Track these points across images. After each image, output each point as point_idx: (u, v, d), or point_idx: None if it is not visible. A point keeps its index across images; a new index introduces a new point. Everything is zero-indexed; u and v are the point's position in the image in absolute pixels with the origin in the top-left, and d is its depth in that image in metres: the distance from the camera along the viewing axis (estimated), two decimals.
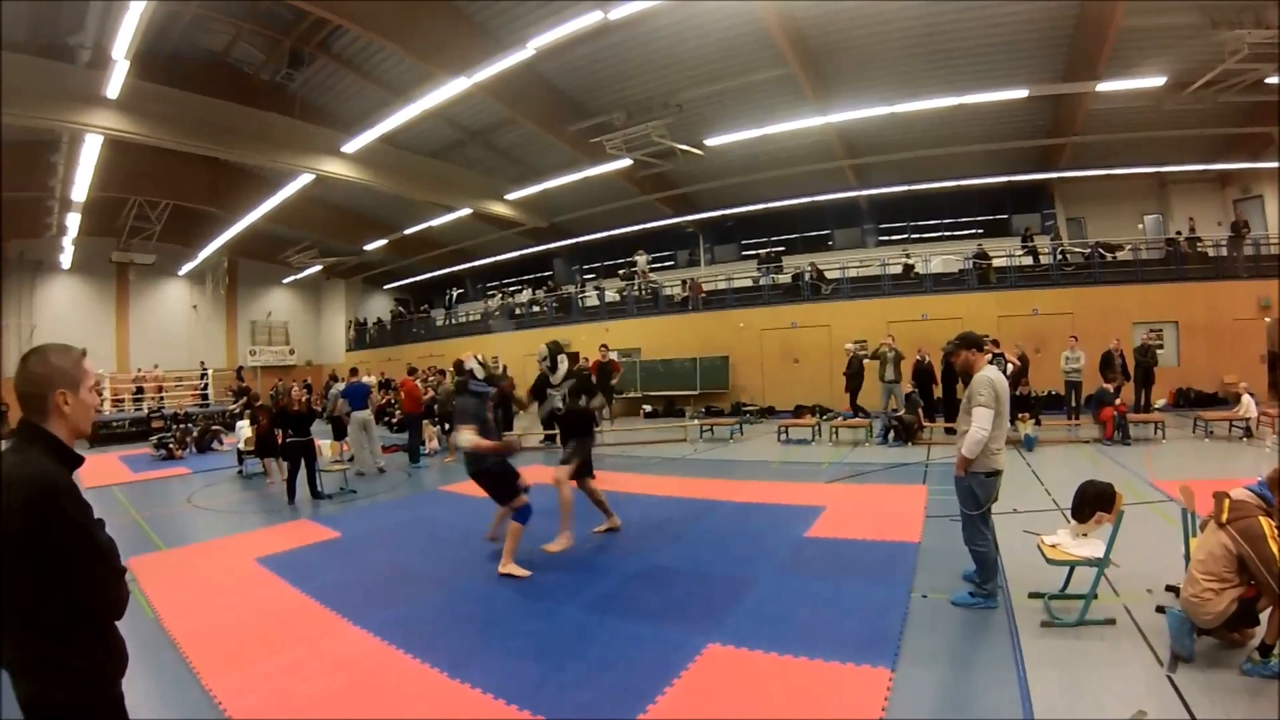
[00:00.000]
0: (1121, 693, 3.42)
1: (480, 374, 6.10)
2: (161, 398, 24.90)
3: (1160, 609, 4.18)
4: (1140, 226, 20.75)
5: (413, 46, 13.46)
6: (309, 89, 17.33)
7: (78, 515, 1.75)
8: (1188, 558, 4.19)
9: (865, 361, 15.19)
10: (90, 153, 15.32)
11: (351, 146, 16.87)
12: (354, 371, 13.85)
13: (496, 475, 6.01)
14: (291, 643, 4.66)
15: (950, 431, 12.50)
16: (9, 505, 1.69)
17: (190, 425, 20.07)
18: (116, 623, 1.91)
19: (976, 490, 4.66)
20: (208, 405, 25.21)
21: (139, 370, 26.18)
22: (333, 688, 3.95)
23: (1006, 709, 3.37)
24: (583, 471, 6.95)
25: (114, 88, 12.76)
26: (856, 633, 4.28)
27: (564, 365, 6.96)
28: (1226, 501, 3.80)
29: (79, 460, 1.94)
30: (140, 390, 25.03)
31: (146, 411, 22.26)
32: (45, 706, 1.76)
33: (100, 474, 13.77)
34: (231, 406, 19.40)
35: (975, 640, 4.25)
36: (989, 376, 4.70)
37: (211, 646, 4.63)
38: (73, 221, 20.10)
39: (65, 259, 24.43)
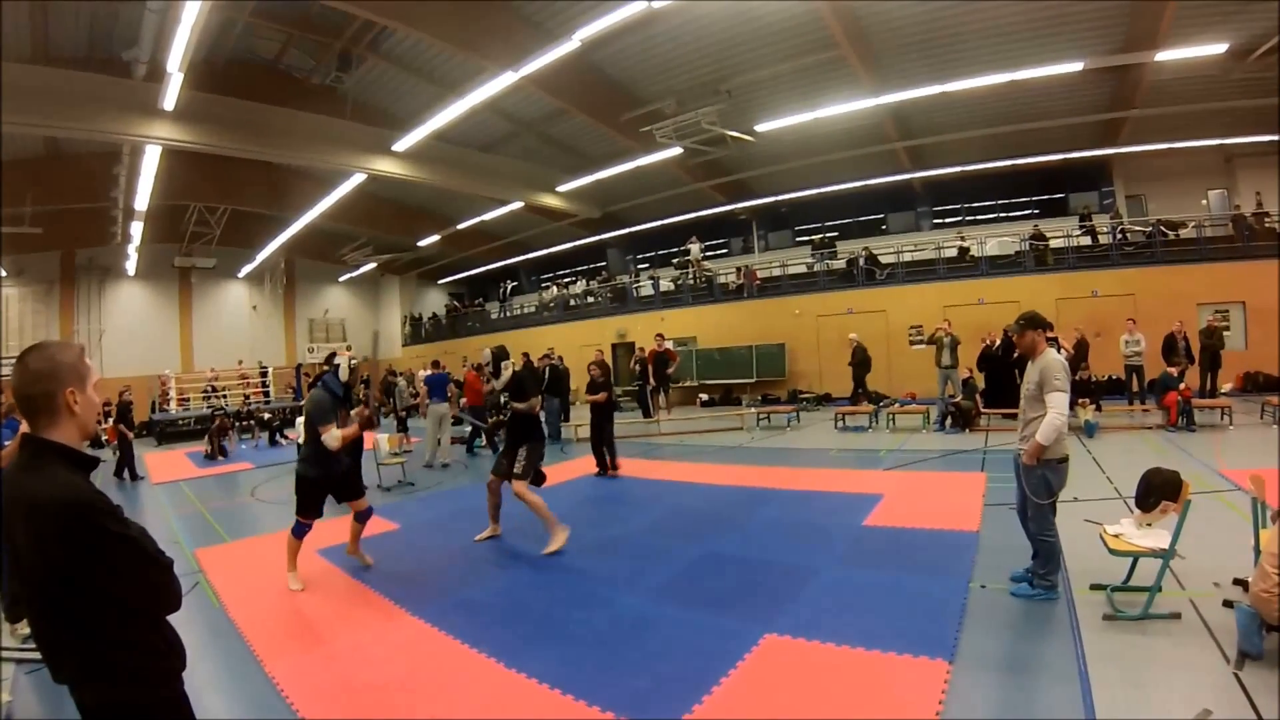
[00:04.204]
0: (1186, 691, 3.32)
1: (344, 375, 5.91)
2: (225, 395, 25.67)
3: (1228, 604, 4.04)
4: (1204, 203, 19.93)
5: (460, 42, 13.57)
6: (359, 89, 17.65)
7: (115, 526, 1.66)
8: (1258, 550, 4.04)
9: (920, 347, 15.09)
10: (150, 163, 15.87)
11: (403, 144, 17.20)
12: (436, 364, 14.06)
13: (301, 482, 5.85)
14: (350, 631, 4.80)
15: (1011, 418, 12.20)
16: (45, 535, 1.62)
17: (251, 421, 20.76)
18: (177, 618, 1.87)
19: (1050, 478, 4.53)
20: (269, 401, 26.00)
21: (211, 370, 27.06)
22: (390, 675, 4.06)
23: (1066, 704, 3.30)
24: (503, 473, 6.75)
25: (170, 100, 13.16)
26: (914, 624, 4.24)
27: (507, 372, 6.94)
28: None
29: (95, 462, 1.83)
30: (213, 389, 25.87)
31: (210, 410, 23.05)
32: (112, 710, 1.74)
33: (167, 470, 14.38)
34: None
35: (1035, 633, 4.17)
36: (1060, 360, 4.59)
37: (273, 634, 4.81)
38: (136, 229, 20.88)
39: (130, 265, 25.40)
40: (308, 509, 5.84)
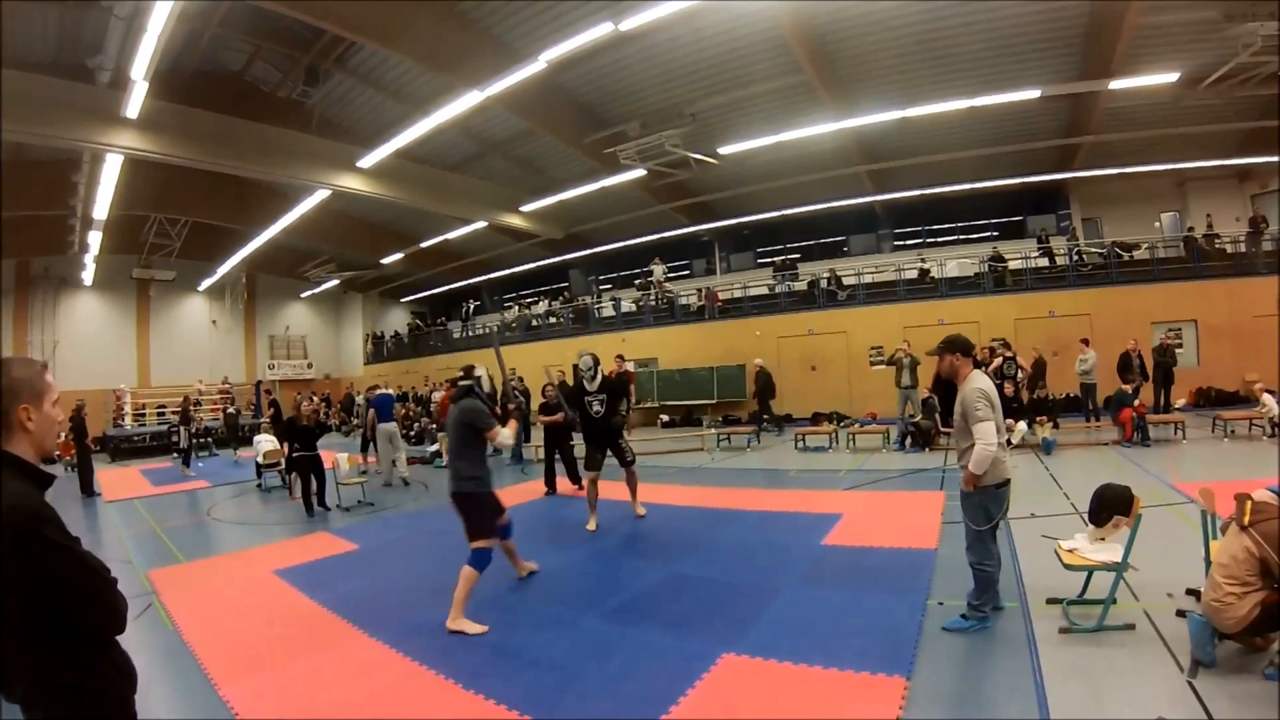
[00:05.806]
0: (1141, 699, 3.37)
1: (486, 386, 5.68)
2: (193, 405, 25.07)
3: (1181, 614, 4.13)
4: (1157, 225, 20.53)
5: (428, 60, 13.55)
6: (326, 104, 17.52)
7: (62, 539, 1.63)
8: (1209, 561, 4.12)
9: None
10: (111, 172, 15.57)
11: (368, 161, 17.05)
12: (374, 386, 13.91)
13: (483, 501, 5.34)
14: (307, 653, 4.69)
15: None
16: None
17: (209, 439, 20.32)
18: (129, 641, 1.84)
19: (989, 505, 4.44)
20: (238, 415, 25.38)
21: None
22: (347, 698, 3.97)
23: (1024, 716, 3.33)
24: (599, 466, 8.03)
25: (134, 108, 12.92)
26: (872, 641, 4.25)
27: (600, 375, 8.04)
28: (1248, 503, 3.70)
29: (50, 480, 1.80)
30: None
31: (167, 427, 22.51)
32: None
33: (122, 487, 13.98)
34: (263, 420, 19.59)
35: (992, 647, 4.20)
36: (981, 387, 4.48)
37: (228, 656, 4.69)
38: (94, 239, 20.39)
39: (87, 276, 24.81)
40: (481, 528, 5.26)
